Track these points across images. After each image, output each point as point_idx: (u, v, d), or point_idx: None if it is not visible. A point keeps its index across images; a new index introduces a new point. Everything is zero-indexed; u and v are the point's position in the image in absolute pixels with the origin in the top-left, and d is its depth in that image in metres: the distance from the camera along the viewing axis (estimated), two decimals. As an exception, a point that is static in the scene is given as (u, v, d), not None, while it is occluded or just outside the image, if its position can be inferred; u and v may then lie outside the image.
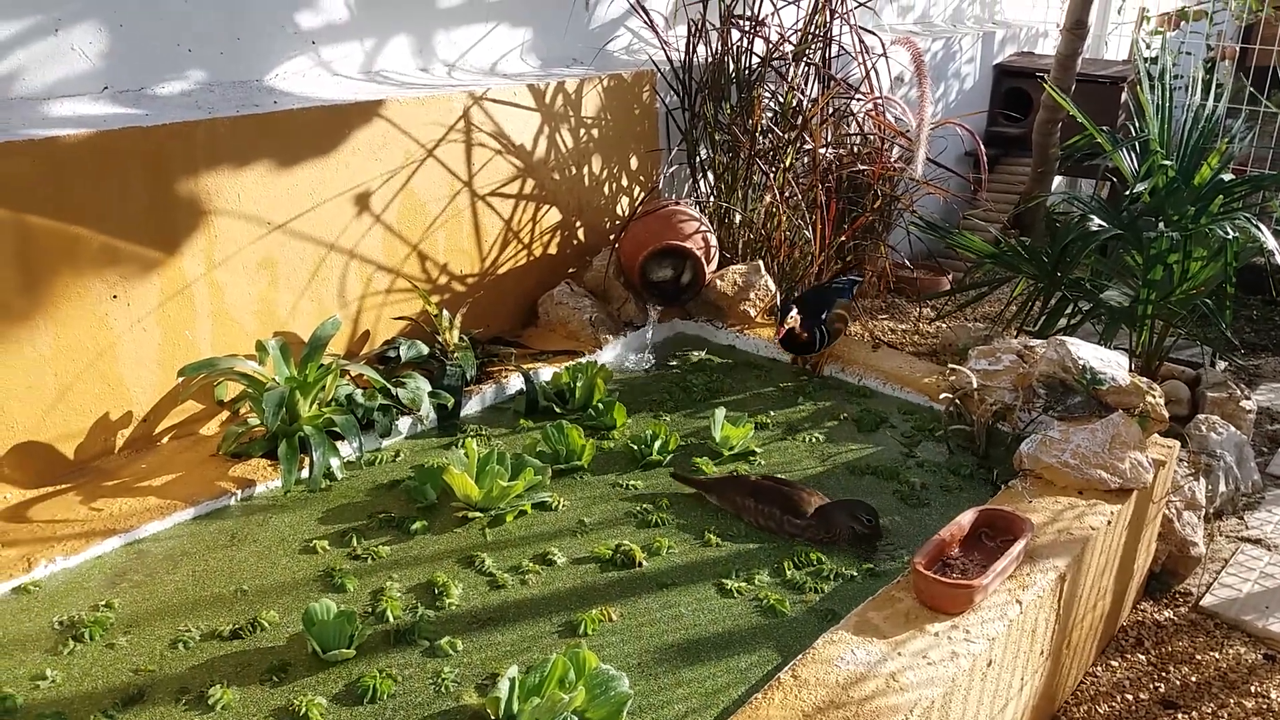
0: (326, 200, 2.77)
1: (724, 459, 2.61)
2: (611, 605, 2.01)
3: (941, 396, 2.79)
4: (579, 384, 2.88)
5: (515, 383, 2.99)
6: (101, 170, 2.33)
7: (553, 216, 3.44)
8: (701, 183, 3.76)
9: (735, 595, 2.06)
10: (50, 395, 2.36)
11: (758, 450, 2.65)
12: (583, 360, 3.04)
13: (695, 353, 3.32)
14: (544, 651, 1.86)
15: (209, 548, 2.19)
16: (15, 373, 2.29)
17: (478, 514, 2.31)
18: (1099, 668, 2.49)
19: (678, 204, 3.43)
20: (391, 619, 1.95)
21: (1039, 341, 2.80)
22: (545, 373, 3.02)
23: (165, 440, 2.61)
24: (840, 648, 1.82)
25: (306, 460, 2.45)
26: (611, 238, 3.60)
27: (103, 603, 1.98)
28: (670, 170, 3.81)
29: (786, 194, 3.60)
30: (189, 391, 2.61)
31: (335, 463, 2.47)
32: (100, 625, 1.91)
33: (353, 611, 1.88)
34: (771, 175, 3.58)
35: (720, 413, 2.68)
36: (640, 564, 2.16)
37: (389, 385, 2.70)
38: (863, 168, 3.78)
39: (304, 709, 1.70)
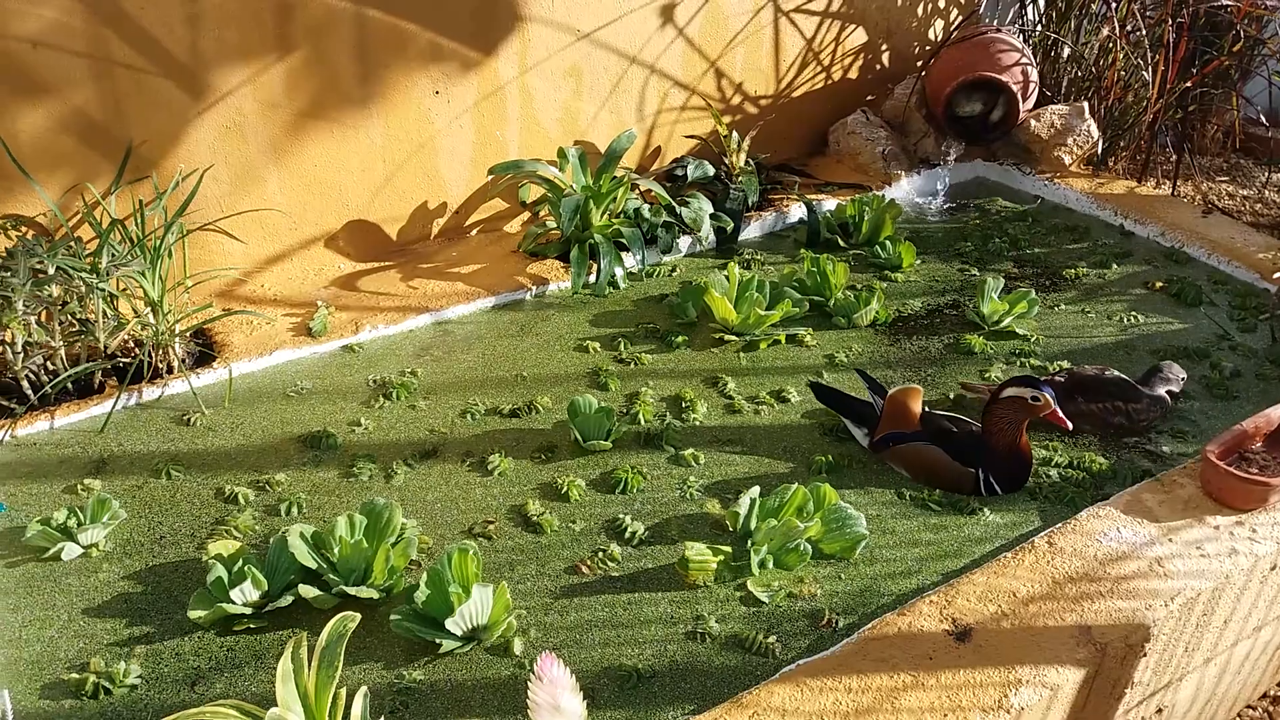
0: (633, 10, 2.78)
1: (988, 333, 2.39)
2: (849, 453, 2.01)
3: (1275, 276, 2.46)
4: (865, 219, 2.80)
5: (797, 212, 2.95)
6: (431, -30, 2.46)
7: (857, 38, 3.26)
8: (1029, 9, 3.40)
9: (995, 453, 1.99)
10: (379, 179, 2.62)
11: (1023, 332, 2.39)
12: (870, 194, 2.93)
13: (996, 199, 3.10)
14: (779, 481, 1.90)
15: (500, 334, 2.40)
16: (352, 155, 2.55)
17: (733, 337, 2.37)
18: None
19: (998, 31, 3.14)
20: (643, 423, 2.07)
21: None
22: (829, 204, 2.95)
23: (473, 233, 2.83)
24: (1105, 523, 1.73)
25: (594, 266, 2.59)
26: (919, 64, 3.37)
27: (409, 369, 2.25)
28: (997, -6, 3.47)
29: (1128, 27, 3.18)
30: (496, 189, 2.81)
31: (619, 272, 2.60)
32: (406, 388, 2.17)
33: (611, 409, 2.02)
34: (1114, 4, 3.16)
35: (992, 282, 2.41)
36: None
37: (674, 204, 2.76)
38: (1226, 3, 3.25)
39: (565, 488, 1.87)
